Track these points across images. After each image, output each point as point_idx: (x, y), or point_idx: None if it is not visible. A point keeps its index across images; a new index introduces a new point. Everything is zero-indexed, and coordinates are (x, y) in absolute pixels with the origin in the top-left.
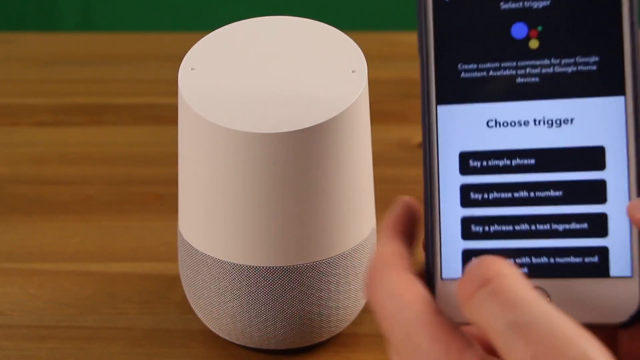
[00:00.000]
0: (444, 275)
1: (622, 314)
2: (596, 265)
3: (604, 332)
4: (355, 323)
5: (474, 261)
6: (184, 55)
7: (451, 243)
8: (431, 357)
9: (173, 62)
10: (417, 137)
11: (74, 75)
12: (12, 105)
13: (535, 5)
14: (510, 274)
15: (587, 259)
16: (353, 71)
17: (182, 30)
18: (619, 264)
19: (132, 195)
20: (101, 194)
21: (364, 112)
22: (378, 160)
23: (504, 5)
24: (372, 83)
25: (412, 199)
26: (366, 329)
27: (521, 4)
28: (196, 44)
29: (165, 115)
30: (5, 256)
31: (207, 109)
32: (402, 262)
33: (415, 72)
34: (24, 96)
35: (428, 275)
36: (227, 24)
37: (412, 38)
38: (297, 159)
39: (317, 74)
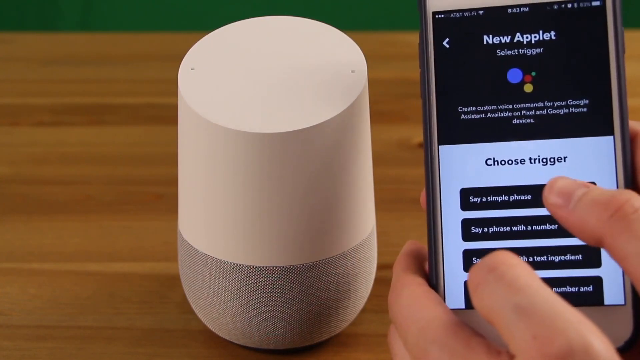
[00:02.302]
0: (448, 306)
1: (618, 340)
2: (591, 294)
3: None
4: (355, 323)
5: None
6: (184, 55)
7: (454, 275)
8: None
9: (173, 62)
10: (417, 137)
11: (74, 75)
12: (12, 105)
13: (529, 52)
14: (517, 263)
15: (582, 289)
16: (353, 71)
17: (182, 30)
18: (612, 292)
19: (132, 195)
20: (101, 194)
21: (364, 112)
22: (378, 160)
23: (500, 52)
24: (372, 83)
25: (415, 242)
26: (366, 329)
27: (516, 51)
28: (196, 44)
29: (165, 115)
30: (5, 256)
31: (207, 109)
32: (420, 281)
33: (415, 72)
34: (24, 96)
35: None
36: (227, 24)
37: (412, 38)
38: (297, 159)
39: (317, 74)
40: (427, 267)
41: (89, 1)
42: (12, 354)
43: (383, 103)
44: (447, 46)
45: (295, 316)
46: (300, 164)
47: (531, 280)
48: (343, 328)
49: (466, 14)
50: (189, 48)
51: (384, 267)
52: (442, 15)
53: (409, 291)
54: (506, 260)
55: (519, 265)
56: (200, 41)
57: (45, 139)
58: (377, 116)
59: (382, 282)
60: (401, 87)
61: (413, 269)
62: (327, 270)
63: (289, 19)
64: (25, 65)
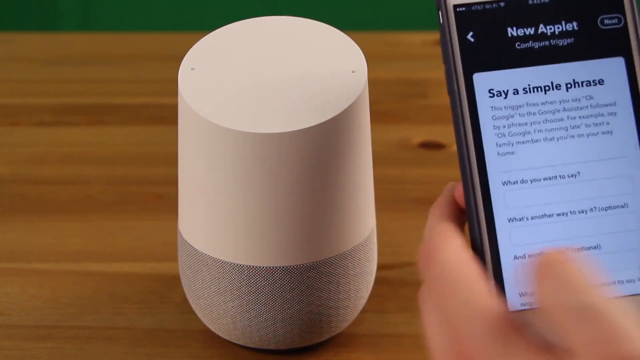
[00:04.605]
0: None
1: None
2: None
3: None
4: (355, 323)
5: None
6: (184, 55)
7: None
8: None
9: (173, 62)
10: (417, 137)
11: (74, 75)
12: (12, 105)
13: (554, 43)
14: (583, 265)
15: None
16: (353, 71)
17: (182, 30)
18: None
19: (132, 195)
20: (101, 194)
21: (364, 112)
22: (378, 160)
23: (524, 45)
24: (372, 83)
25: (456, 185)
26: (366, 329)
27: (543, 43)
28: (196, 44)
29: (165, 115)
30: (5, 256)
31: (207, 109)
32: (463, 243)
33: (415, 72)
34: (24, 96)
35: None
36: (227, 24)
37: (412, 38)
38: (297, 159)
39: (317, 74)
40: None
41: (89, 1)
42: (12, 354)
43: (383, 103)
44: (472, 40)
45: (295, 316)
46: (300, 164)
47: (596, 283)
48: (343, 328)
49: (487, 6)
50: (189, 48)
51: (384, 267)
52: (464, 9)
53: (451, 249)
54: (574, 259)
55: (585, 266)
56: (200, 41)
57: (45, 139)
58: (377, 116)
59: (382, 282)
60: (401, 87)
61: (452, 217)
62: (327, 270)
63: (289, 19)
64: (25, 65)
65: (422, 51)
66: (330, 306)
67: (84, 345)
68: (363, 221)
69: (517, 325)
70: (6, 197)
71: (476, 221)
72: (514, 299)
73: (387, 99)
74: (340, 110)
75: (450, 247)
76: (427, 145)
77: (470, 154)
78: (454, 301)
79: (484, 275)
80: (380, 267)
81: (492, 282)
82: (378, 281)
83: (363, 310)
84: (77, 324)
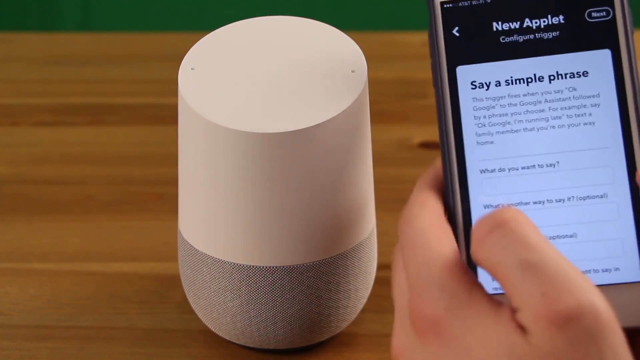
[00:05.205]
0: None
1: (636, 318)
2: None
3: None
4: (355, 323)
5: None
6: (184, 55)
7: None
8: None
9: (173, 62)
10: (417, 137)
11: (74, 75)
12: (12, 105)
13: (538, 36)
14: (525, 220)
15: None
16: (353, 71)
17: (182, 30)
18: (629, 270)
19: (132, 195)
20: (101, 194)
21: (364, 112)
22: (378, 160)
23: (509, 39)
24: (372, 83)
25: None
26: (366, 329)
27: (526, 36)
28: (196, 44)
29: (165, 115)
30: (5, 256)
31: (207, 109)
32: (438, 207)
33: (415, 72)
34: (24, 96)
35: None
36: (227, 24)
37: (412, 38)
38: (297, 159)
39: (317, 74)
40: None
41: (89, 1)
42: (12, 354)
43: (383, 103)
44: (457, 34)
45: (295, 316)
46: (300, 164)
47: (542, 240)
48: (343, 328)
49: (474, 2)
50: (189, 48)
51: (384, 267)
52: (451, 5)
53: (425, 215)
54: (515, 216)
55: (527, 221)
56: (200, 41)
57: (45, 139)
58: (377, 116)
59: (382, 282)
60: (401, 87)
61: (436, 188)
62: (327, 270)
63: (289, 19)
64: (25, 65)
65: (422, 51)
66: (330, 306)
67: (84, 345)
68: (363, 221)
69: (470, 284)
70: (6, 197)
71: (452, 207)
72: (486, 280)
73: (387, 99)
74: (340, 110)
75: (425, 214)
76: (427, 145)
77: (449, 142)
78: (416, 261)
79: (452, 240)
80: (380, 267)
81: (461, 245)
82: (378, 281)
83: (363, 310)
84: (77, 324)
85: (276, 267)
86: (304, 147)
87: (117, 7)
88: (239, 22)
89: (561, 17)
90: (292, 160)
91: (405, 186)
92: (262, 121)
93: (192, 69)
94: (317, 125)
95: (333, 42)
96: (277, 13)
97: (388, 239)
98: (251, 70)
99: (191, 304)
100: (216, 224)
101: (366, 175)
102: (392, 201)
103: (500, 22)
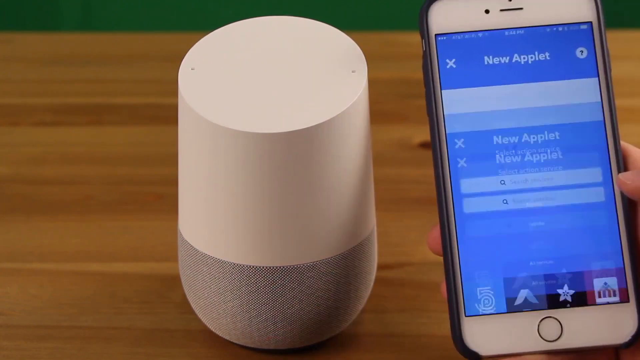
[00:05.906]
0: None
1: (623, 336)
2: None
3: (606, 353)
4: (355, 323)
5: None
6: (184, 55)
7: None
8: None
9: (173, 62)
10: (417, 137)
11: (74, 75)
12: (12, 105)
13: (526, 70)
14: None
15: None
16: (353, 71)
17: (182, 30)
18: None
19: (132, 195)
20: (101, 194)
21: (364, 112)
22: (378, 160)
23: (499, 70)
24: (372, 83)
25: None
26: (366, 329)
27: (515, 69)
28: (196, 44)
29: (165, 115)
30: (5, 256)
31: (207, 109)
32: None
33: (415, 72)
34: (24, 96)
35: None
36: (227, 24)
37: (412, 38)
38: (297, 159)
39: (317, 74)
40: None
41: (89, 1)
42: (12, 354)
43: (383, 103)
44: (452, 66)
45: (295, 316)
46: (300, 164)
47: None
48: (343, 328)
49: (467, 36)
50: (189, 48)
51: (384, 267)
52: (445, 37)
53: None
54: None
55: None
56: (200, 41)
57: (45, 139)
58: (377, 116)
59: (382, 282)
60: (401, 87)
61: None
62: (327, 270)
63: (289, 19)
64: (25, 65)
65: (422, 51)
66: (330, 306)
67: (84, 345)
68: (363, 221)
69: None
70: (6, 197)
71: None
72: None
73: (387, 99)
74: (340, 110)
75: None
76: (427, 145)
77: (446, 192)
78: None
79: None
80: (380, 267)
81: None
82: (378, 281)
83: (363, 310)
84: (77, 324)
85: (276, 267)
86: (304, 147)
87: (117, 7)
88: (239, 22)
89: (547, 53)
90: (292, 160)
91: (405, 186)
92: (262, 121)
93: (192, 69)
94: (317, 125)
95: (333, 42)
96: (277, 13)
97: (388, 239)
98: (251, 70)
99: (191, 304)
100: (216, 224)
101: (366, 175)
102: (392, 201)
103: (491, 56)
